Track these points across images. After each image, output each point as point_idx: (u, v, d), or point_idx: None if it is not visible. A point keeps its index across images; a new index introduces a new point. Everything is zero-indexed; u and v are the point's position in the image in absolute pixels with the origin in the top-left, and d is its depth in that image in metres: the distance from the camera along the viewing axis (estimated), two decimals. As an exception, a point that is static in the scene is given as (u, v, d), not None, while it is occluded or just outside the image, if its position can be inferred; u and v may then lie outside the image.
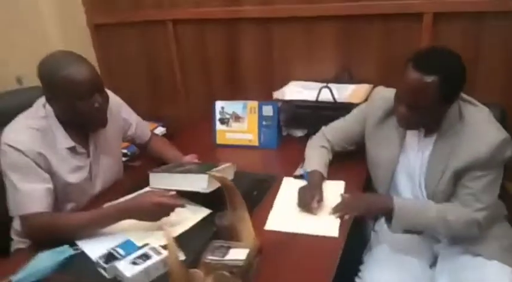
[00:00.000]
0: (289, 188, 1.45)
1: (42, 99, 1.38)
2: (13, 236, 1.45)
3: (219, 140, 1.86)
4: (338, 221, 1.28)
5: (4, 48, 2.13)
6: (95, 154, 1.47)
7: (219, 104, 1.85)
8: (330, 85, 1.77)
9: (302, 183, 1.44)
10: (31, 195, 1.28)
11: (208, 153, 1.79)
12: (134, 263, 1.10)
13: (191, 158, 1.57)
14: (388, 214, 1.31)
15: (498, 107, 1.56)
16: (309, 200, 1.32)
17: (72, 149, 1.39)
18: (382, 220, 1.49)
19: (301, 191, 1.38)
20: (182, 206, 1.28)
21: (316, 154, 1.54)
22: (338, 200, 1.37)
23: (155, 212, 1.27)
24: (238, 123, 1.83)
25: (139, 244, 1.21)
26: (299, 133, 1.88)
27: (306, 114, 1.79)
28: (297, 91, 1.87)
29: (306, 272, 1.10)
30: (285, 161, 1.72)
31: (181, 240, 1.19)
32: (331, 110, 1.72)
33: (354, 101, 1.71)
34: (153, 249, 1.16)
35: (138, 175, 1.61)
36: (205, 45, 2.32)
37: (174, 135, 2.31)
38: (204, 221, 1.34)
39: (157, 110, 2.55)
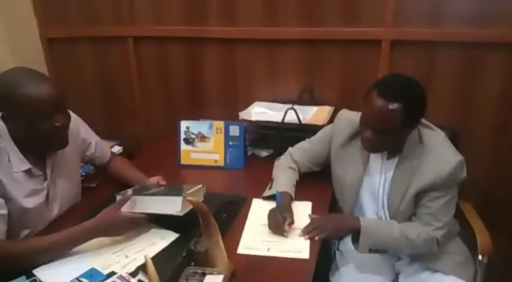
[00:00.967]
0: (260, 210, 1.45)
1: None
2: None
3: (184, 160, 1.83)
4: (308, 242, 1.30)
5: None
6: (52, 177, 1.39)
7: (184, 124, 1.83)
8: (293, 107, 1.81)
9: (272, 204, 1.44)
10: None
11: (173, 174, 1.75)
12: (103, 295, 1.05)
13: (157, 179, 1.53)
14: (355, 234, 1.36)
15: (449, 129, 1.67)
16: (280, 223, 1.33)
17: (27, 172, 1.31)
18: (346, 239, 1.53)
19: (272, 214, 1.38)
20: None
21: (284, 175, 1.56)
22: (306, 221, 1.40)
23: (123, 224, 1.24)
24: (204, 143, 1.81)
25: (104, 272, 1.15)
26: (264, 153, 1.90)
27: (272, 135, 1.82)
28: (262, 112, 1.89)
29: (281, 295, 1.10)
30: (252, 182, 1.72)
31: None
32: (297, 131, 1.75)
33: (318, 122, 1.76)
34: (121, 278, 1.11)
35: (96, 197, 1.55)
36: (167, 63, 2.29)
37: (133, 154, 2.24)
38: (172, 245, 1.30)
39: (113, 128, 2.46)
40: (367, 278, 1.43)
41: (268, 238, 1.32)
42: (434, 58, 1.87)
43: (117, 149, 2.31)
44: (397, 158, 1.39)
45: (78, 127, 1.54)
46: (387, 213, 1.44)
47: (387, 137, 1.30)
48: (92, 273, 1.14)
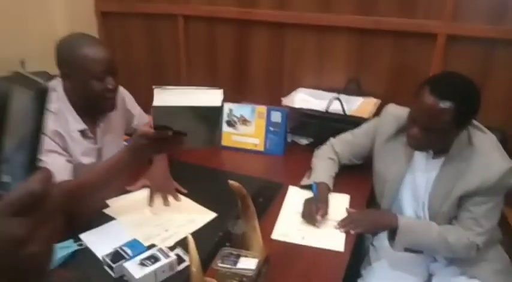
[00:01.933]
0: (295, 197, 1.46)
1: (52, 83, 1.36)
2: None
3: (225, 142, 1.85)
4: (343, 235, 1.30)
5: (8, 31, 2.08)
6: (101, 140, 1.47)
7: (227, 106, 1.84)
8: (339, 96, 1.78)
9: (308, 193, 1.45)
10: (54, 167, 1.25)
11: (213, 155, 1.79)
12: (142, 264, 1.10)
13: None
14: (392, 232, 1.34)
15: (501, 132, 1.60)
16: (313, 213, 1.34)
17: (82, 132, 1.40)
18: (381, 235, 1.52)
19: (307, 203, 1.39)
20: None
21: (323, 165, 1.56)
22: (343, 213, 1.39)
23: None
24: (245, 126, 1.83)
25: (145, 244, 1.21)
26: (304, 141, 1.90)
27: (314, 123, 1.81)
28: (306, 99, 1.88)
29: (312, 283, 1.12)
30: (290, 169, 1.73)
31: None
32: (340, 122, 1.73)
33: (363, 115, 1.73)
34: (161, 251, 1.15)
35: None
36: (215, 43, 2.31)
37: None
38: (209, 224, 1.34)
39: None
40: (399, 276, 1.42)
41: (303, 227, 1.34)
42: (491, 57, 1.78)
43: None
44: (443, 158, 1.35)
45: (124, 97, 1.60)
46: (427, 214, 1.41)
47: (435, 136, 1.26)
48: (133, 244, 1.19)
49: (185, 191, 1.49)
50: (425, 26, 1.82)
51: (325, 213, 1.35)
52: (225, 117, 1.85)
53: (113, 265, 1.11)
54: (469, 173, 1.30)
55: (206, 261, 1.09)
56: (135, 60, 2.56)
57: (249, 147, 1.83)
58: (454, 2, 1.74)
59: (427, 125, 1.25)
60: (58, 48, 1.33)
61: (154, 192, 1.47)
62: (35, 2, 2.19)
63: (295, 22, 2.06)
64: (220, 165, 1.73)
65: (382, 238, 1.49)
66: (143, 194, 1.49)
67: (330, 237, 1.29)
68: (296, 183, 1.55)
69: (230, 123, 1.85)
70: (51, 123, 1.30)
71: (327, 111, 1.76)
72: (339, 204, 1.44)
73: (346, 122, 1.71)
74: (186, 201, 1.46)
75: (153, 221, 1.35)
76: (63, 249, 1.16)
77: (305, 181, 1.54)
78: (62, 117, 1.35)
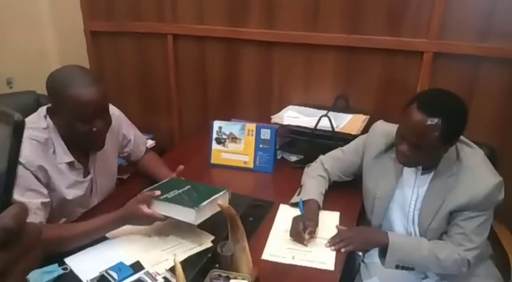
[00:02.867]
0: (286, 216, 1.45)
1: (43, 110, 1.34)
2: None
3: (214, 160, 1.84)
4: (334, 253, 1.29)
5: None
6: (94, 172, 1.45)
7: (216, 124, 1.84)
8: (328, 114, 1.79)
9: (298, 211, 1.43)
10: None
11: (203, 173, 1.77)
12: (129, 289, 1.07)
13: (179, 169, 1.52)
14: (383, 249, 1.33)
15: (488, 147, 1.61)
16: (300, 231, 1.31)
17: (70, 164, 1.36)
18: (372, 252, 1.51)
19: (295, 221, 1.37)
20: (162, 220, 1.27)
21: (313, 183, 1.55)
22: (333, 231, 1.38)
23: (143, 219, 1.27)
24: (235, 144, 1.82)
25: (131, 260, 1.19)
26: (294, 158, 1.89)
27: (303, 140, 1.81)
28: (295, 116, 1.88)
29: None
30: (280, 186, 1.71)
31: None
32: (329, 139, 1.74)
33: (351, 131, 1.73)
34: (148, 274, 1.13)
35: (127, 189, 1.58)
36: (204, 61, 2.32)
37: (165, 149, 2.29)
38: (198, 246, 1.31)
39: (148, 122, 2.51)
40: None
41: (294, 246, 1.32)
42: (477, 74, 1.81)
43: (150, 143, 2.36)
44: (431, 174, 1.36)
45: (121, 124, 1.58)
46: (417, 230, 1.41)
47: (424, 152, 1.27)
48: (120, 267, 1.17)
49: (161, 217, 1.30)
50: (411, 44, 1.84)
51: (313, 231, 1.33)
52: (214, 135, 1.84)
53: (98, 290, 1.08)
54: (458, 188, 1.30)
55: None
56: (124, 79, 2.56)
57: (238, 165, 1.81)
58: (440, 20, 1.78)
59: (416, 142, 1.25)
60: (48, 82, 1.28)
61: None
62: (23, 20, 2.18)
63: (283, 41, 2.08)
64: (210, 183, 1.70)
65: (373, 255, 1.49)
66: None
67: (320, 256, 1.27)
68: (286, 201, 1.54)
69: (219, 141, 1.84)
70: (36, 156, 1.26)
71: (315, 128, 1.76)
72: (329, 221, 1.43)
73: (335, 139, 1.72)
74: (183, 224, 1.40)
75: (161, 246, 1.29)
76: (47, 274, 1.13)
77: (295, 198, 1.53)
78: (50, 148, 1.31)
